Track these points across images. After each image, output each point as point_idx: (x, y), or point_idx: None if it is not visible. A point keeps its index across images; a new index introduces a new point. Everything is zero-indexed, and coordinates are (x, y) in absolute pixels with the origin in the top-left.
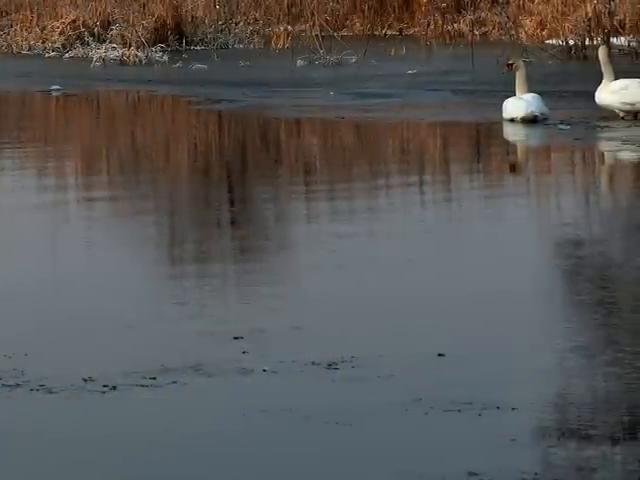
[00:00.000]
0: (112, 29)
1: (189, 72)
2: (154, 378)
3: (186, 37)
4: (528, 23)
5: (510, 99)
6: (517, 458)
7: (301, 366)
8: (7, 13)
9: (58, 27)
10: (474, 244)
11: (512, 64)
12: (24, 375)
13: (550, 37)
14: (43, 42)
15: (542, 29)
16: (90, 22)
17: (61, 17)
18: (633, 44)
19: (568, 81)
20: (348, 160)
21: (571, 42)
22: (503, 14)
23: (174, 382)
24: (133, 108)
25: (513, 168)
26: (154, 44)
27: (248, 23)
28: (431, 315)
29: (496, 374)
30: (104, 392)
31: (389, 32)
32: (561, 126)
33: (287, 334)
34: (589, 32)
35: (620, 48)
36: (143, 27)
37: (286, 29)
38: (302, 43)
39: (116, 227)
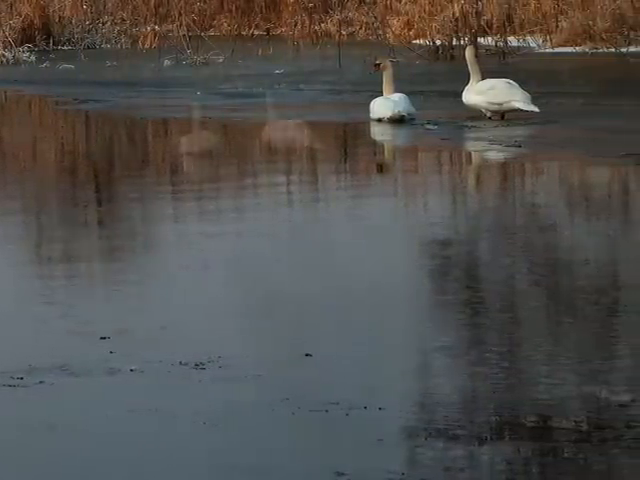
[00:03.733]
0: None
1: (56, 72)
2: (21, 378)
3: (53, 37)
4: (395, 23)
5: (377, 99)
6: (384, 458)
7: (168, 366)
8: None
9: None
10: (341, 244)
11: (379, 64)
12: None
13: (417, 37)
14: None
15: (409, 29)
16: None
17: None
18: (500, 44)
19: (435, 81)
20: (215, 160)
21: (438, 42)
22: (370, 14)
23: (41, 382)
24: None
25: (380, 168)
26: (21, 44)
27: (115, 23)
28: (298, 315)
29: (363, 374)
30: None
31: (256, 32)
32: (428, 126)
33: (154, 334)
34: (456, 32)
35: (487, 48)
36: (10, 27)
37: (153, 29)
38: (169, 43)
39: None
